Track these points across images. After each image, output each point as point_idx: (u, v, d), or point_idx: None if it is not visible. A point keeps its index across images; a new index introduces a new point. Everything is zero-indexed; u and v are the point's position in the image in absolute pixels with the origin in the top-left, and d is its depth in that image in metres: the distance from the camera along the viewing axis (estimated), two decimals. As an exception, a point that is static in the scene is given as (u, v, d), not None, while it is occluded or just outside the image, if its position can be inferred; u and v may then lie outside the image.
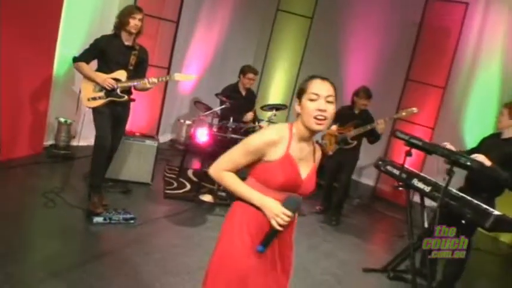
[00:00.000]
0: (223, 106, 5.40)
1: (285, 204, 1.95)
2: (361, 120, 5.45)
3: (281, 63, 8.25)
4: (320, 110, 1.97)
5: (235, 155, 2.06)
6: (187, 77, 4.51)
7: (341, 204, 5.72)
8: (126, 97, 4.31)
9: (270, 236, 1.98)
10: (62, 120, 5.65)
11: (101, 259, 3.62)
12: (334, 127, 5.53)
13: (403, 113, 5.34)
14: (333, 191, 5.86)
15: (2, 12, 4.65)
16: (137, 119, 6.42)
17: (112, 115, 4.33)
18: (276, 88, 8.38)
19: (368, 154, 6.48)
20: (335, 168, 5.67)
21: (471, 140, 6.76)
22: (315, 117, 1.98)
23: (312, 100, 2.00)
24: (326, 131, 5.66)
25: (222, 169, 2.08)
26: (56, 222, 4.12)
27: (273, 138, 2.00)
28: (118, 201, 4.74)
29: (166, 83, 6.37)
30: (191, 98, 7.68)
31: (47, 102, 5.51)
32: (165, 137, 7.69)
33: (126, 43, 4.30)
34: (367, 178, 7.77)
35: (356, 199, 6.76)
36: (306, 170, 2.08)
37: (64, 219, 4.18)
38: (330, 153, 5.60)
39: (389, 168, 4.50)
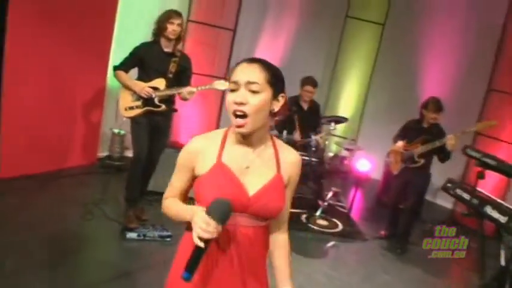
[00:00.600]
0: (275, 118, 5.02)
1: (208, 209, 1.43)
2: (430, 135, 4.79)
3: (352, 72, 7.70)
4: (236, 104, 1.51)
5: (172, 177, 1.73)
6: (227, 84, 4.18)
7: (408, 230, 5.05)
8: (163, 106, 4.06)
9: (194, 258, 1.44)
10: (116, 131, 5.58)
11: (128, 276, 3.44)
12: (400, 143, 4.94)
13: (478, 126, 4.66)
14: (400, 215, 5.21)
15: (56, 22, 4.67)
16: (192, 130, 6.23)
17: (150, 125, 4.11)
18: (347, 99, 7.84)
19: (447, 173, 5.74)
20: (401, 189, 5.04)
21: None
22: (234, 114, 1.52)
23: (231, 91, 1.54)
24: (391, 148, 5.09)
25: (164, 198, 1.75)
26: (91, 234, 3.98)
27: (195, 147, 1.63)
28: (160, 216, 4.49)
29: (223, 94, 6.10)
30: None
31: (100, 112, 5.48)
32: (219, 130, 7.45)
33: (166, 50, 4.08)
34: (444, 199, 6.92)
35: (429, 224, 6.01)
36: (259, 182, 1.59)
37: (99, 232, 4.05)
38: (395, 172, 5.01)
39: (458, 191, 3.83)
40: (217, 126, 6.31)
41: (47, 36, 4.61)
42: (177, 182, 1.70)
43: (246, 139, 1.60)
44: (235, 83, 1.52)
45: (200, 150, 1.62)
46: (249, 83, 1.50)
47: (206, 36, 6.17)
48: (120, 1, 5.30)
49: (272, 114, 1.58)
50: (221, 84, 4.10)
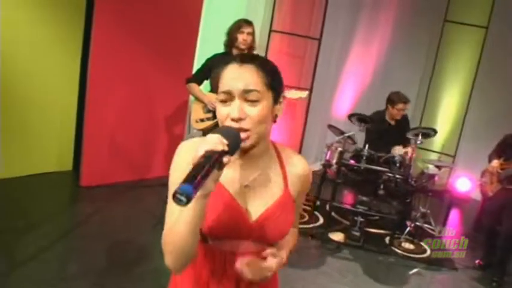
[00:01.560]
0: (352, 132, 4.73)
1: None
2: None
3: (451, 81, 7.05)
4: (234, 120, 1.21)
5: (170, 204, 1.29)
6: (297, 93, 3.96)
7: (505, 258, 4.39)
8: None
9: (196, 169, 1.04)
10: (198, 140, 5.60)
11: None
12: (495, 162, 4.37)
13: None
14: (495, 240, 4.56)
15: (141, 34, 4.81)
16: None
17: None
18: (445, 111, 7.19)
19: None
20: (496, 212, 4.44)
21: None
22: None
23: (222, 102, 1.25)
24: (487, 166, 4.52)
25: (164, 236, 1.29)
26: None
27: (190, 151, 1.20)
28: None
29: (308, 106, 5.88)
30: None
31: (183, 125, 5.54)
32: (317, 166, 7.19)
33: None
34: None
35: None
36: (263, 204, 1.32)
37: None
38: (490, 194, 4.44)
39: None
40: (302, 140, 6.10)
41: (131, 48, 4.76)
42: (176, 210, 1.22)
43: (245, 152, 1.30)
44: (228, 93, 1.23)
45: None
46: (246, 91, 1.22)
47: (292, 47, 6.01)
48: (203, 14, 5.33)
49: (274, 120, 1.33)
50: (292, 94, 3.93)
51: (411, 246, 4.78)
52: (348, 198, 5.46)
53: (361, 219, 4.68)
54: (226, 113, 1.23)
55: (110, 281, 3.26)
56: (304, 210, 5.29)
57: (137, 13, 4.73)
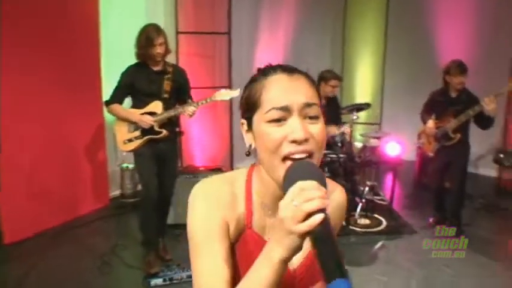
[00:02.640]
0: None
1: (289, 178, 0.90)
2: (461, 105, 4.22)
3: (363, 54, 7.15)
4: (296, 143, 0.95)
5: (202, 264, 1.01)
6: (229, 93, 3.70)
7: (458, 212, 4.47)
8: (164, 132, 3.61)
9: (329, 252, 0.80)
10: (124, 166, 5.18)
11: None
12: (430, 122, 4.40)
13: None
14: (446, 197, 4.65)
15: (43, 70, 4.33)
16: (206, 151, 5.80)
17: (155, 155, 3.68)
18: (362, 84, 7.27)
19: (483, 139, 5.21)
20: (442, 169, 4.51)
21: None
22: (289, 158, 0.96)
23: (274, 122, 0.97)
24: (422, 128, 4.57)
25: None
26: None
27: (220, 193, 1.05)
28: (186, 252, 4.07)
29: (231, 104, 5.64)
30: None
31: (103, 150, 5.10)
32: (246, 164, 7.00)
33: (155, 69, 3.63)
34: (487, 168, 6.27)
35: (479, 199, 5.42)
36: (302, 250, 0.91)
37: (119, 285, 3.61)
38: (431, 154, 4.49)
39: (516, 161, 3.35)
40: (231, 141, 5.85)
41: (35, 87, 4.27)
42: (219, 264, 1.00)
43: (279, 190, 1.00)
44: (284, 109, 0.96)
45: (228, 197, 1.05)
46: (307, 105, 0.97)
47: (201, 46, 5.73)
48: (101, 28, 4.90)
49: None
50: (223, 95, 3.66)
51: (367, 221, 4.75)
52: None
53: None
54: (282, 135, 0.96)
55: None
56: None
57: (34, 49, 4.24)
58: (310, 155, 0.97)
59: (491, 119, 4.11)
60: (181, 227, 4.40)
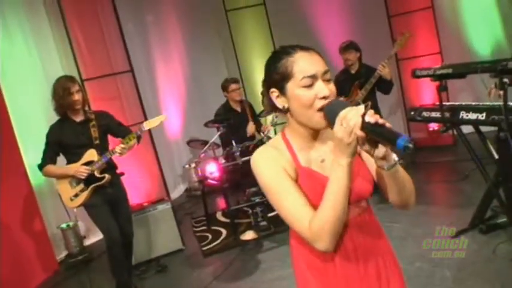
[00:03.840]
0: (218, 133, 4.80)
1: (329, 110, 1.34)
2: (362, 77, 4.81)
3: (256, 61, 7.53)
4: (325, 98, 1.35)
5: (290, 206, 1.36)
6: (156, 120, 3.83)
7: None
8: (107, 176, 3.65)
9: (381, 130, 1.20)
10: (65, 226, 5.05)
11: None
12: (341, 100, 4.87)
13: (398, 44, 4.72)
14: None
15: None
16: (141, 188, 5.80)
17: (106, 201, 3.70)
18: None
19: (386, 106, 5.85)
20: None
21: (484, 51, 6.21)
22: (322, 109, 1.35)
23: (307, 87, 1.35)
24: None
25: (308, 226, 1.31)
26: None
27: (270, 154, 1.43)
28: (158, 285, 4.13)
29: (151, 137, 5.70)
30: (186, 137, 7.07)
31: (39, 218, 4.89)
32: (179, 191, 7.09)
33: (78, 120, 3.68)
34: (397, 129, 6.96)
35: (399, 160, 5.98)
36: None
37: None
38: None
39: (425, 114, 3.84)
40: (161, 171, 5.91)
41: None
42: (298, 196, 1.36)
43: (310, 134, 1.46)
44: (313, 76, 1.35)
45: (276, 154, 1.43)
46: (325, 72, 1.37)
47: (107, 89, 5.72)
48: (5, 95, 4.76)
49: None
50: (152, 123, 3.77)
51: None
52: (238, 198, 5.50)
53: (261, 209, 4.78)
54: (314, 95, 1.35)
55: None
56: (201, 231, 5.20)
57: None
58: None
59: (390, 82, 4.72)
60: (142, 265, 4.45)
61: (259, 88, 5.83)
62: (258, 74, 7.48)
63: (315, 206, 1.34)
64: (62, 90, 3.55)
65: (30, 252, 4.73)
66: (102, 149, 3.70)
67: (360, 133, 1.20)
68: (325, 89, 1.34)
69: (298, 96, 1.36)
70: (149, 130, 3.96)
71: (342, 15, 6.87)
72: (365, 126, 1.20)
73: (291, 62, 1.37)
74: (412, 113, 3.96)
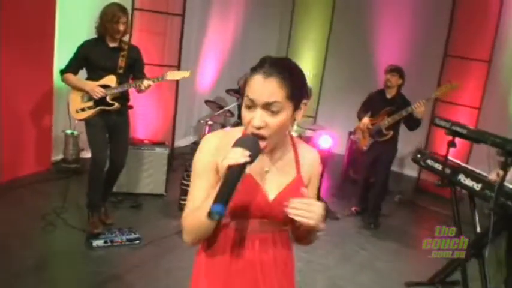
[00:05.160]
0: (235, 103, 4.87)
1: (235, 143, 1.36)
2: (395, 105, 4.76)
3: (306, 47, 7.54)
4: (254, 127, 1.37)
5: (190, 189, 1.52)
6: (180, 73, 3.96)
7: (379, 204, 5.04)
8: (116, 104, 3.81)
9: (225, 185, 1.29)
10: (68, 132, 5.26)
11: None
12: (365, 120, 4.88)
13: (441, 90, 4.70)
14: (370, 189, 5.17)
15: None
16: (150, 125, 5.98)
17: (107, 126, 3.88)
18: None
19: (409, 141, 5.81)
20: (371, 163, 5.00)
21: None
22: (252, 134, 1.39)
23: (247, 107, 1.41)
24: (358, 124, 5.02)
25: (184, 218, 1.48)
26: (54, 247, 3.75)
27: (216, 145, 1.49)
28: (127, 218, 4.33)
29: (177, 83, 5.84)
30: (212, 96, 7.19)
31: (50, 116, 5.16)
32: (187, 140, 7.24)
33: (111, 45, 3.81)
34: (410, 168, 6.96)
35: (398, 195, 6.02)
36: (279, 186, 1.50)
37: (62, 244, 3.82)
38: (364, 148, 4.96)
39: (429, 162, 3.82)
40: (175, 118, 6.06)
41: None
42: (199, 191, 1.47)
43: None
44: (252, 101, 1.37)
45: (218, 147, 1.48)
46: (267, 104, 1.36)
47: (154, 24, 5.86)
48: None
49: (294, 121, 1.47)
50: (175, 75, 3.90)
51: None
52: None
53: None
54: (249, 119, 1.38)
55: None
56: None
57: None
58: (264, 137, 1.38)
59: (419, 121, 4.67)
60: (120, 195, 4.64)
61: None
62: (303, 61, 7.50)
63: (239, 208, 1.43)
64: (110, 16, 3.68)
65: (31, 143, 5.01)
66: (122, 78, 3.85)
67: (221, 173, 1.35)
68: (257, 119, 1.36)
69: (242, 112, 1.43)
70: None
71: (402, 39, 6.78)
72: (228, 171, 1.28)
73: (248, 79, 1.40)
74: (419, 156, 3.96)
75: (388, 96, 4.87)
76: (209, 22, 7.03)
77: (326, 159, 5.78)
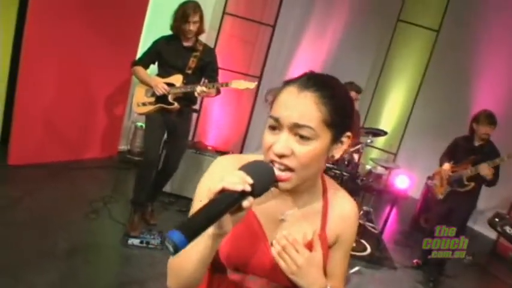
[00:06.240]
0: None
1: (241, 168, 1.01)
2: (482, 155, 4.19)
3: (399, 81, 7.10)
4: (275, 155, 1.03)
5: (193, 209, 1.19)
6: (245, 84, 3.76)
7: (444, 261, 4.49)
8: (175, 105, 3.70)
9: (203, 213, 0.92)
10: (139, 124, 5.30)
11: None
12: (446, 165, 4.38)
13: None
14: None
15: (87, 14, 4.44)
16: (221, 132, 5.88)
17: (166, 124, 3.79)
18: (390, 110, 7.23)
19: (492, 196, 5.17)
20: (445, 215, 4.47)
21: None
22: (272, 162, 1.05)
23: (270, 128, 1.07)
24: (438, 169, 4.55)
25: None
26: (90, 236, 3.69)
27: (225, 167, 1.17)
28: (172, 222, 4.21)
29: (256, 94, 5.70)
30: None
31: (124, 105, 5.24)
32: (259, 154, 7.06)
33: (185, 44, 3.72)
34: (488, 228, 6.23)
35: (468, 256, 5.37)
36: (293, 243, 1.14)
37: (99, 234, 3.76)
38: (440, 196, 4.46)
39: (508, 229, 3.30)
40: (248, 128, 5.91)
41: (71, 23, 4.35)
42: None
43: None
44: (276, 120, 1.05)
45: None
46: (297, 126, 1.03)
47: (245, 32, 5.78)
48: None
49: (329, 160, 1.14)
50: (239, 84, 3.70)
51: (353, 244, 4.77)
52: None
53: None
54: (271, 143, 1.05)
55: (36, 276, 2.92)
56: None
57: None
58: (289, 169, 1.04)
59: (494, 180, 4.10)
60: (172, 197, 4.54)
61: (385, 105, 5.51)
62: (393, 94, 7.06)
63: (237, 258, 1.14)
64: (181, 15, 3.60)
65: (101, 129, 5.11)
66: (190, 79, 3.74)
67: (212, 192, 0.94)
68: (280, 145, 1.02)
69: (263, 136, 1.09)
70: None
71: (501, 84, 6.14)
72: (217, 196, 0.93)
73: (279, 92, 1.09)
74: (496, 219, 3.41)
75: (476, 143, 4.31)
76: (303, 37, 6.84)
77: (398, 200, 5.34)
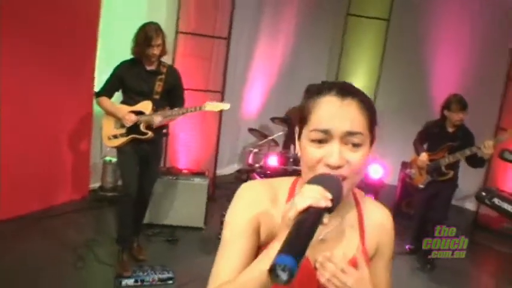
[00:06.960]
0: (281, 132, 4.59)
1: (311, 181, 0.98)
2: (457, 141, 4.20)
3: (357, 74, 7.16)
4: (331, 167, 1.00)
5: (222, 258, 1.10)
6: (219, 105, 3.70)
7: (436, 244, 4.53)
8: (150, 134, 3.57)
9: (298, 233, 0.86)
10: (107, 159, 5.11)
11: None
12: (423, 155, 4.37)
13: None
14: (426, 227, 4.64)
15: (39, 50, 4.25)
16: (192, 154, 5.76)
17: (138, 155, 3.65)
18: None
19: (467, 173, 5.25)
20: (427, 201, 4.50)
21: None
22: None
23: (316, 142, 1.03)
24: (413, 159, 4.58)
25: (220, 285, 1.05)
26: (81, 285, 3.50)
27: (259, 197, 1.12)
28: (161, 254, 4.06)
29: (221, 112, 5.60)
30: (258, 122, 6.94)
31: (88, 141, 5.02)
32: (231, 169, 6.99)
33: (149, 68, 3.59)
34: (468, 202, 6.36)
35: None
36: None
37: (91, 281, 3.58)
38: (421, 186, 4.47)
39: (496, 201, 3.39)
40: (217, 145, 5.80)
41: (22, 65, 4.15)
42: (235, 259, 1.06)
43: None
44: (326, 132, 1.01)
45: (263, 201, 1.11)
46: (350, 134, 1.01)
47: (199, 48, 5.68)
48: (101, 20, 4.83)
49: None
50: (214, 106, 3.63)
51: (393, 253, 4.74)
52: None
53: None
54: (320, 156, 1.02)
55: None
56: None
57: (32, 26, 4.17)
58: (342, 178, 1.01)
59: (484, 161, 4.11)
60: (156, 227, 4.39)
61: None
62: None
63: None
64: (143, 39, 3.47)
65: (68, 170, 4.89)
66: (159, 104, 3.62)
67: (291, 215, 0.90)
68: (334, 156, 0.99)
69: (304, 149, 1.05)
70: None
71: (459, 64, 6.30)
72: (301, 215, 0.89)
73: (313, 103, 1.05)
74: (483, 193, 3.53)
75: (450, 129, 4.30)
76: (257, 46, 6.83)
77: (377, 190, 5.36)
